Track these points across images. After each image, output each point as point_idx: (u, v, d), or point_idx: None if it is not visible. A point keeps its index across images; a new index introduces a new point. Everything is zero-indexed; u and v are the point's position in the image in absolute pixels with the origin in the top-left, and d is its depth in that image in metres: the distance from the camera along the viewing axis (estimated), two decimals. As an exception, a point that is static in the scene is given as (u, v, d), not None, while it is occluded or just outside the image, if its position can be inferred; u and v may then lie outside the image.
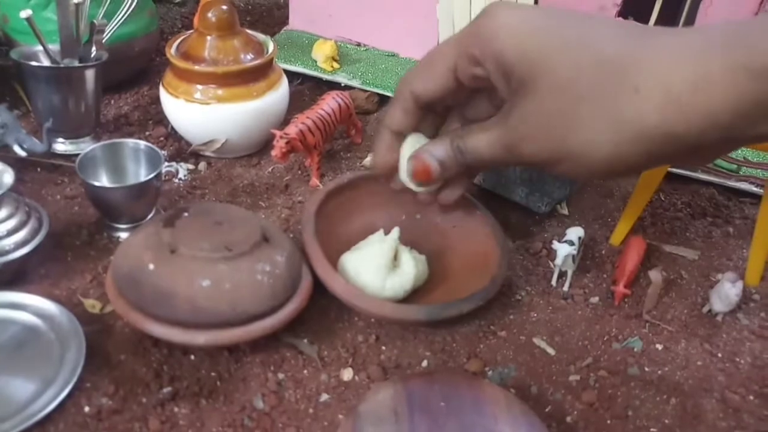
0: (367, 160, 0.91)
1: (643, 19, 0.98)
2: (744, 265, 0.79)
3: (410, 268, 0.66)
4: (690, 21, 0.94)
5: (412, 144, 0.43)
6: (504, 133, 0.38)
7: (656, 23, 0.94)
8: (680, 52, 0.30)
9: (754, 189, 0.89)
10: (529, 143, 0.37)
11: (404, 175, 0.44)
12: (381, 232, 0.71)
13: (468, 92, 0.43)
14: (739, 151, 0.91)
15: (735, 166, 0.90)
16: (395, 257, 0.67)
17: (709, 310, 0.72)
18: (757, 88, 0.28)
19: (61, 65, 0.84)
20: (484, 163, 0.40)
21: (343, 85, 1.05)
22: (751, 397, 0.64)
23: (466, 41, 0.38)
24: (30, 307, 0.64)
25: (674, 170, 0.89)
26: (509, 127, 0.37)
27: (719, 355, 0.68)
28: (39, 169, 0.84)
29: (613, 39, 0.33)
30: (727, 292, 0.69)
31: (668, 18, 0.95)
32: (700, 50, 0.30)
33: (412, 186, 0.44)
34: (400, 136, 0.44)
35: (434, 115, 0.46)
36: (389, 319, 0.65)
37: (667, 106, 0.30)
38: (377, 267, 0.65)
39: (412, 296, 0.68)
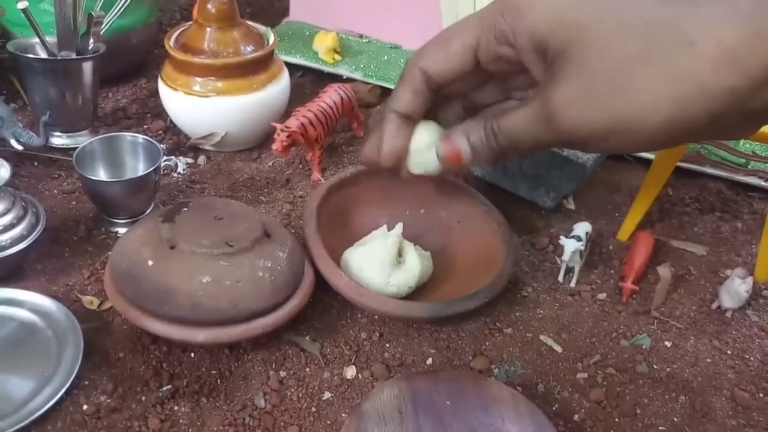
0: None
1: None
2: (753, 261, 0.77)
3: (415, 264, 0.65)
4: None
5: (424, 133, 0.40)
6: (544, 106, 0.34)
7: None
8: (730, 10, 0.29)
9: (763, 184, 0.87)
10: (573, 115, 0.33)
11: (416, 168, 0.41)
12: (384, 227, 0.70)
13: (482, 78, 0.40)
14: (748, 145, 0.90)
15: (743, 160, 0.88)
16: (400, 253, 0.66)
17: (718, 307, 0.71)
18: None
19: (59, 57, 0.82)
20: (520, 146, 0.37)
21: (345, 77, 1.04)
22: (761, 395, 0.63)
23: (492, 17, 0.35)
24: (27, 303, 0.62)
25: (682, 165, 0.87)
26: (550, 99, 0.34)
27: (729, 352, 0.67)
28: (36, 163, 0.83)
29: (657, 2, 0.31)
30: (737, 288, 0.68)
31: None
32: (749, 8, 0.28)
33: (421, 172, 0.41)
34: (409, 121, 0.40)
35: (446, 101, 0.43)
36: (393, 316, 0.64)
37: (724, 59, 0.29)
38: (381, 263, 0.64)
39: (417, 292, 0.67)
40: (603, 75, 0.32)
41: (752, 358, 0.66)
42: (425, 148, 0.40)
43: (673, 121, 0.31)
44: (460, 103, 0.43)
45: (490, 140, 0.37)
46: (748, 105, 0.30)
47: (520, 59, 0.36)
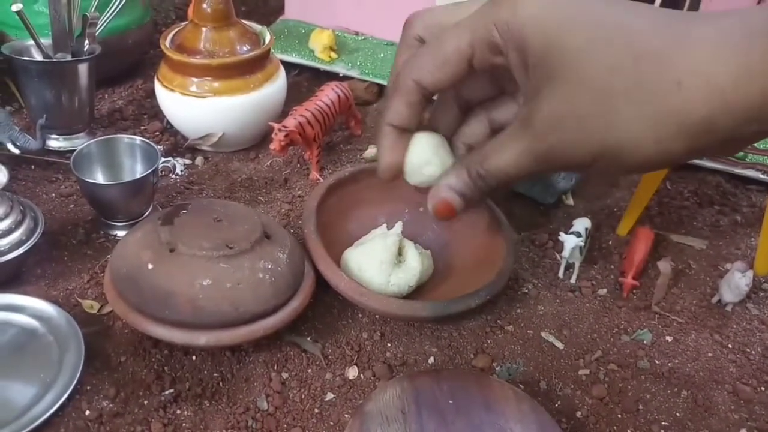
0: (368, 152, 0.89)
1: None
2: (752, 254, 0.78)
3: (416, 264, 0.65)
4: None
5: (421, 144, 0.40)
6: (532, 144, 0.34)
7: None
8: (721, 43, 0.29)
9: (761, 176, 0.87)
10: (563, 148, 0.33)
11: (413, 178, 0.41)
12: (384, 226, 0.70)
13: (476, 78, 0.39)
14: (746, 138, 0.90)
15: (741, 153, 0.88)
16: (400, 252, 0.66)
17: (719, 301, 0.71)
18: None
19: (54, 60, 0.82)
20: (510, 181, 0.36)
21: (341, 75, 1.04)
22: (763, 388, 0.63)
23: (484, 28, 0.34)
24: (27, 309, 0.62)
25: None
26: (537, 134, 0.33)
27: (730, 346, 0.67)
28: (33, 167, 0.82)
29: (651, 30, 0.31)
30: (737, 282, 0.68)
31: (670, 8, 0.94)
32: (740, 40, 0.28)
33: (417, 185, 0.40)
34: (405, 133, 0.39)
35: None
36: (394, 315, 0.64)
37: (711, 99, 0.29)
38: (381, 263, 0.64)
39: (417, 292, 0.67)
40: (588, 107, 0.31)
41: (753, 352, 0.66)
42: (421, 164, 0.40)
43: (656, 157, 0.31)
44: (453, 102, 0.43)
45: (478, 183, 0.37)
46: (734, 138, 0.30)
47: (511, 72, 0.35)
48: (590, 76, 0.31)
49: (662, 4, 0.93)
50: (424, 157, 0.39)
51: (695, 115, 0.29)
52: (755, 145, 0.89)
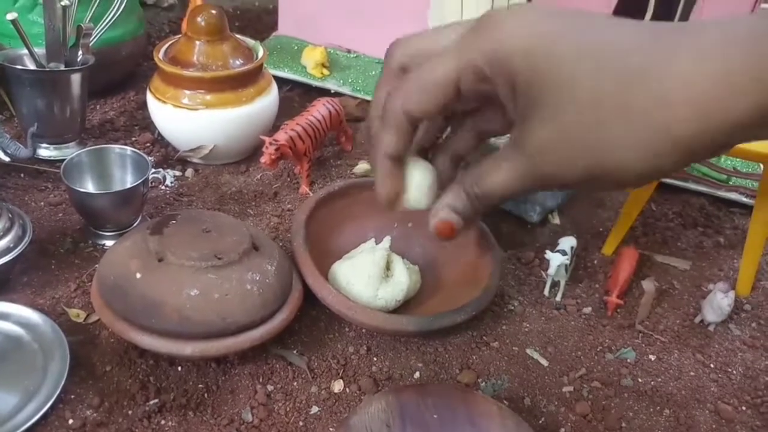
0: (358, 168, 0.90)
1: (638, 19, 0.99)
2: (735, 275, 0.79)
3: (404, 278, 0.66)
4: (684, 20, 0.94)
5: (414, 174, 0.41)
6: (525, 166, 0.34)
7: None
8: (703, 61, 0.29)
9: (743, 199, 0.89)
10: (555, 171, 0.34)
11: (413, 202, 0.42)
12: (372, 241, 0.70)
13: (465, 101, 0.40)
14: (729, 162, 0.92)
15: (725, 176, 0.90)
16: (388, 267, 0.66)
17: (701, 321, 0.72)
18: None
19: (47, 69, 0.82)
20: (504, 201, 0.38)
21: (333, 91, 1.05)
22: (744, 408, 0.64)
23: (468, 52, 0.34)
24: (13, 316, 0.62)
25: (666, 180, 0.89)
26: (530, 157, 0.34)
27: (712, 365, 0.68)
28: (23, 175, 0.82)
29: (634, 45, 0.31)
30: (719, 302, 0.69)
31: (663, 18, 0.96)
32: (721, 60, 0.29)
33: (413, 209, 0.42)
34: (399, 161, 0.41)
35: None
36: (381, 329, 0.64)
37: (699, 115, 0.30)
38: (369, 276, 0.64)
39: (404, 306, 0.67)
40: (578, 131, 0.32)
41: (735, 372, 0.67)
42: (415, 188, 0.42)
43: (650, 171, 0.32)
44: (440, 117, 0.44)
45: (474, 204, 0.38)
46: (727, 145, 0.31)
47: (498, 96, 0.36)
48: (577, 96, 0.32)
49: (655, 8, 0.95)
50: (424, 183, 0.41)
51: (684, 131, 0.30)
52: (738, 168, 0.91)
